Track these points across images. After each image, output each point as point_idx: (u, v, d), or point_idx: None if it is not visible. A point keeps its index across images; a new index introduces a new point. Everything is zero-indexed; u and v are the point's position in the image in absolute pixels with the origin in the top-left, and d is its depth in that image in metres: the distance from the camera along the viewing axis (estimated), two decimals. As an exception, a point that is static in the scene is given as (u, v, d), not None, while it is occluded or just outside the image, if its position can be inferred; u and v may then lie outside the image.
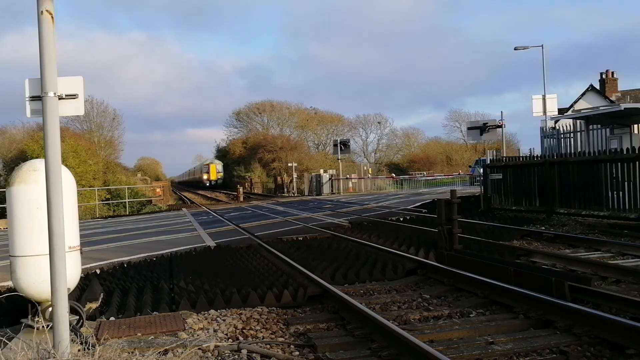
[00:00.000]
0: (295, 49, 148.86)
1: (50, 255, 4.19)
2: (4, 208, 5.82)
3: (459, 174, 46.82)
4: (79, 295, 6.64)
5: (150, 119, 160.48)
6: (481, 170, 18.88)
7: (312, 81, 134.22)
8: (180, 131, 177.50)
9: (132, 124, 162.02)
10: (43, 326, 4.49)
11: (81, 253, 5.28)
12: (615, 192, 11.99)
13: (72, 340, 4.37)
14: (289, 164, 46.50)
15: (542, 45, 25.20)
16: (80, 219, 5.75)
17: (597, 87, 37.01)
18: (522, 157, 17.97)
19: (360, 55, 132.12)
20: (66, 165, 5.46)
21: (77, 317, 5.16)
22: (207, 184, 72.14)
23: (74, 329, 4.71)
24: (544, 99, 22.70)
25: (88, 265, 8.75)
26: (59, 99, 4.25)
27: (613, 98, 35.61)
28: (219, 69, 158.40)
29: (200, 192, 63.49)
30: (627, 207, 11.67)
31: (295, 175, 45.60)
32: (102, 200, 30.24)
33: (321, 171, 43.46)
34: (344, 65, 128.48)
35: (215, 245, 11.22)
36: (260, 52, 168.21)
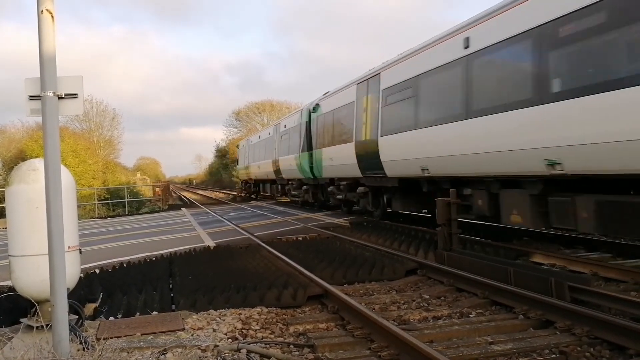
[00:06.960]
0: (284, 45, 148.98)
1: (49, 254, 4.18)
2: (4, 207, 5.82)
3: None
4: (78, 295, 6.63)
5: (142, 117, 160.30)
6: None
7: (305, 77, 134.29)
8: (174, 130, 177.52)
9: (124, 122, 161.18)
10: (43, 326, 4.49)
11: (80, 253, 5.27)
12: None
13: (71, 340, 4.36)
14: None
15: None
16: (79, 218, 5.74)
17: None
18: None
19: (354, 50, 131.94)
20: (65, 165, 5.46)
21: (77, 317, 5.16)
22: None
23: (74, 329, 4.70)
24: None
25: (88, 265, 8.73)
26: (59, 98, 4.24)
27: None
28: (208, 66, 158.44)
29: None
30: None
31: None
32: (102, 200, 30.20)
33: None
34: (337, 61, 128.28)
35: (214, 245, 11.20)
36: (249, 49, 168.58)
